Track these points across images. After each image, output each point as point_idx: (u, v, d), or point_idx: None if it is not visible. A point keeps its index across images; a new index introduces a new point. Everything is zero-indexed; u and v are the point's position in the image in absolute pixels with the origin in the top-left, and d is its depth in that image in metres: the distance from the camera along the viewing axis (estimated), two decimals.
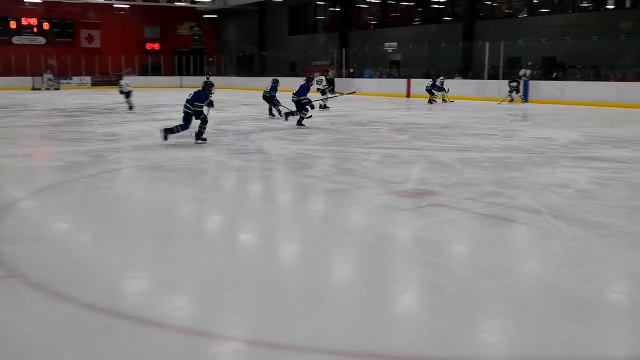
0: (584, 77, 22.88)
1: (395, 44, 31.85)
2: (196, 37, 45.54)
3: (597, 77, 22.71)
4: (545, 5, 27.52)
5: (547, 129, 12.59)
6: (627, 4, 24.81)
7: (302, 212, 5.74)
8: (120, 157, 8.96)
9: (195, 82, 39.40)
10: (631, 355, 2.81)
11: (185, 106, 10.13)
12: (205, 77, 22.93)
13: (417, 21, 33.18)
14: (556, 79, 23.40)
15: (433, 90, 22.01)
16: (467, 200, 5.80)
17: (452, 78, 25.97)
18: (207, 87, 10.51)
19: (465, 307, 3.32)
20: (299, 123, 12.96)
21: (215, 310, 3.29)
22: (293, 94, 13.20)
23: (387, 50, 32.09)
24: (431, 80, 22.47)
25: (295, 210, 5.87)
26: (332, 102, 18.34)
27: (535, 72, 24.23)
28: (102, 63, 39.31)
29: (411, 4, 33.60)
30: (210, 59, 43.51)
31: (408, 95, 26.63)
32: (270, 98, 15.58)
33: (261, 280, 3.74)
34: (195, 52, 43.62)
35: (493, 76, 24.78)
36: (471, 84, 24.99)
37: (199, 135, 10.10)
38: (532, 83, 22.54)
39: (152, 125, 13.26)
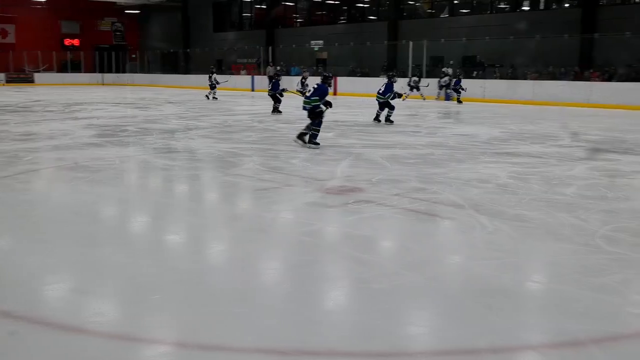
0: (503, 76, 23.78)
1: (321, 42, 32.05)
2: (118, 33, 44.24)
3: (515, 76, 23.65)
4: (465, 6, 28.39)
5: (469, 126, 12.98)
6: (541, 6, 25.96)
7: (229, 211, 5.68)
8: (38, 157, 8.59)
9: (116, 80, 38.40)
10: (549, 341, 2.94)
11: (305, 102, 9.32)
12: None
13: (342, 20, 33.53)
14: (476, 77, 24.19)
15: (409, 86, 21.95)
16: (393, 197, 5.90)
17: (377, 76, 26.34)
18: (327, 80, 9.60)
19: (392, 301, 3.37)
20: (387, 119, 13.32)
21: (141, 313, 3.20)
22: (378, 93, 13.39)
23: (313, 48, 32.24)
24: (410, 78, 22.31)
25: (223, 209, 5.81)
26: (259, 101, 18.26)
27: (457, 70, 24.95)
28: (17, 59, 37.56)
29: (337, 2, 33.91)
30: (133, 56, 42.37)
31: (335, 93, 26.83)
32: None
33: (188, 281, 3.67)
34: (117, 49, 42.36)
35: (394, 73, 25.31)
36: (396, 82, 25.42)
37: (313, 138, 9.24)
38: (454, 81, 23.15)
39: (72, 124, 12.79)
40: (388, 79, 13.68)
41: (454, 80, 21.98)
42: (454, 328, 3.04)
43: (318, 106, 9.23)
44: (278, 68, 29.40)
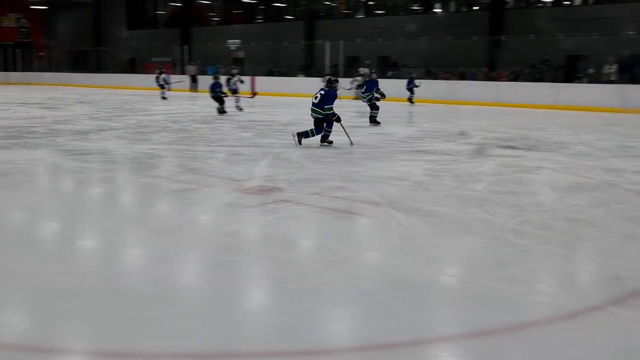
0: (417, 76, 24.40)
1: (238, 41, 31.83)
2: (23, 30, 42.14)
3: (428, 75, 24.36)
4: (379, 7, 28.98)
5: (385, 125, 13.26)
6: (452, 9, 26.87)
7: (146, 214, 5.54)
8: None
9: (24, 79, 36.60)
10: (464, 332, 3.06)
11: (314, 111, 9.29)
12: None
13: (259, 19, 33.43)
14: (391, 77, 24.73)
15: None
16: (311, 195, 5.95)
17: (295, 76, 26.48)
18: (333, 84, 9.67)
19: (312, 299, 3.41)
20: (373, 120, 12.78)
21: (53, 322, 3.08)
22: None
23: (230, 47, 31.95)
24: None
25: (139, 212, 5.66)
26: (175, 101, 17.92)
27: (373, 70, 25.41)
28: None
29: (253, 1, 33.77)
30: (41, 54, 40.51)
31: (254, 94, 26.67)
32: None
33: (103, 287, 3.56)
34: (23, 46, 40.34)
35: (334, 74, 25.59)
36: (313, 82, 25.58)
37: (326, 138, 9.23)
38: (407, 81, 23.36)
39: None
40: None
41: (407, 80, 20.75)
42: (373, 324, 3.11)
43: (333, 113, 9.37)
44: (196, 66, 28.91)
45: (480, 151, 9.07)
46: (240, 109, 16.48)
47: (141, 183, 6.86)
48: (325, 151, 9.07)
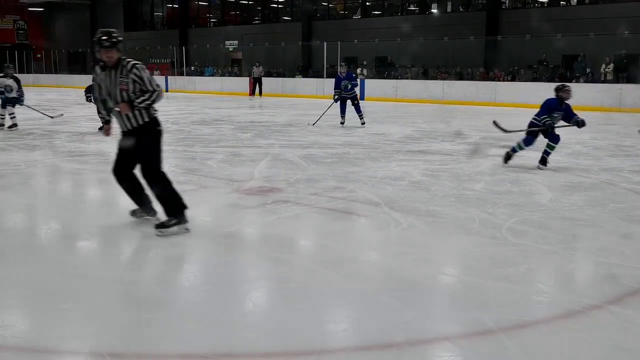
0: (414, 76, 24.48)
1: (235, 42, 31.83)
2: (21, 32, 42.12)
3: (425, 76, 24.40)
4: (376, 8, 29.02)
5: (382, 125, 13.27)
6: (449, 9, 26.92)
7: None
8: None
9: (22, 80, 36.46)
10: (462, 332, 3.07)
11: (538, 120, 7.63)
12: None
13: (257, 20, 33.44)
14: (388, 77, 24.79)
15: None
16: (311, 196, 5.96)
17: (293, 77, 26.51)
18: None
19: (311, 299, 3.42)
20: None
21: (51, 324, 3.09)
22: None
23: (227, 48, 31.95)
24: None
25: None
26: (174, 102, 17.89)
27: (370, 70, 25.48)
28: None
29: (251, 2, 33.79)
30: (39, 55, 40.44)
31: (252, 94, 26.71)
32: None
33: (100, 289, 3.57)
34: (20, 48, 40.29)
35: (332, 74, 25.62)
36: (311, 82, 25.64)
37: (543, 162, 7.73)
38: (367, 82, 23.58)
39: None
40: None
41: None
42: (371, 323, 3.12)
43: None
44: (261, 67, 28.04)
45: (475, 151, 9.07)
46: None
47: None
48: (323, 151, 9.08)
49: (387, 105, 20.40)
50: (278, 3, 33.31)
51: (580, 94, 18.95)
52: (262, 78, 25.97)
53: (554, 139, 7.65)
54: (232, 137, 11.12)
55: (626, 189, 6.51)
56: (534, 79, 21.66)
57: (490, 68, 23.18)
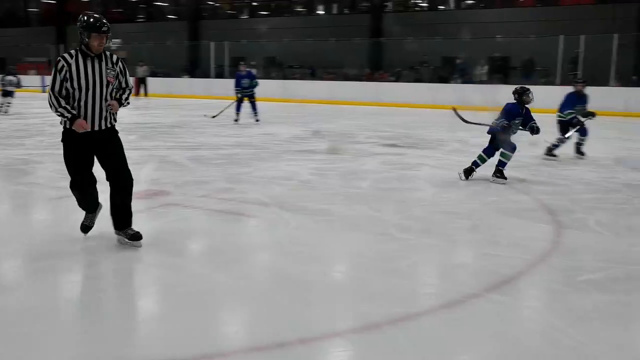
0: (302, 77, 24.74)
1: (119, 40, 30.64)
2: None
3: (313, 76, 24.74)
4: (264, 8, 29.05)
5: (271, 126, 13.30)
6: (334, 11, 27.47)
7: (24, 223, 5.24)
8: None
9: None
10: (352, 327, 3.15)
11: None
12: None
13: (141, 18, 32.43)
14: (277, 78, 24.88)
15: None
16: (200, 198, 5.87)
17: (179, 77, 25.96)
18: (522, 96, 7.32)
19: (203, 303, 3.37)
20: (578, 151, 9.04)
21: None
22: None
23: (111, 46, 30.71)
24: None
25: (16, 222, 5.33)
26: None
27: (258, 71, 25.43)
28: None
29: (134, 0, 32.73)
30: None
31: (137, 94, 25.79)
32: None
33: None
34: None
35: (219, 75, 25.36)
36: (198, 83, 25.21)
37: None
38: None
39: None
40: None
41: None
42: (263, 324, 3.13)
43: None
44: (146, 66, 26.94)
45: (333, 149, 9.19)
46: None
47: (16, 191, 6.45)
48: (212, 153, 8.96)
49: (275, 105, 20.45)
50: (163, 1, 32.48)
51: (458, 93, 20.07)
52: (147, 78, 25.23)
53: (511, 147, 6.97)
54: None
55: (502, 184, 6.90)
56: (416, 80, 22.57)
57: (374, 69, 23.88)
